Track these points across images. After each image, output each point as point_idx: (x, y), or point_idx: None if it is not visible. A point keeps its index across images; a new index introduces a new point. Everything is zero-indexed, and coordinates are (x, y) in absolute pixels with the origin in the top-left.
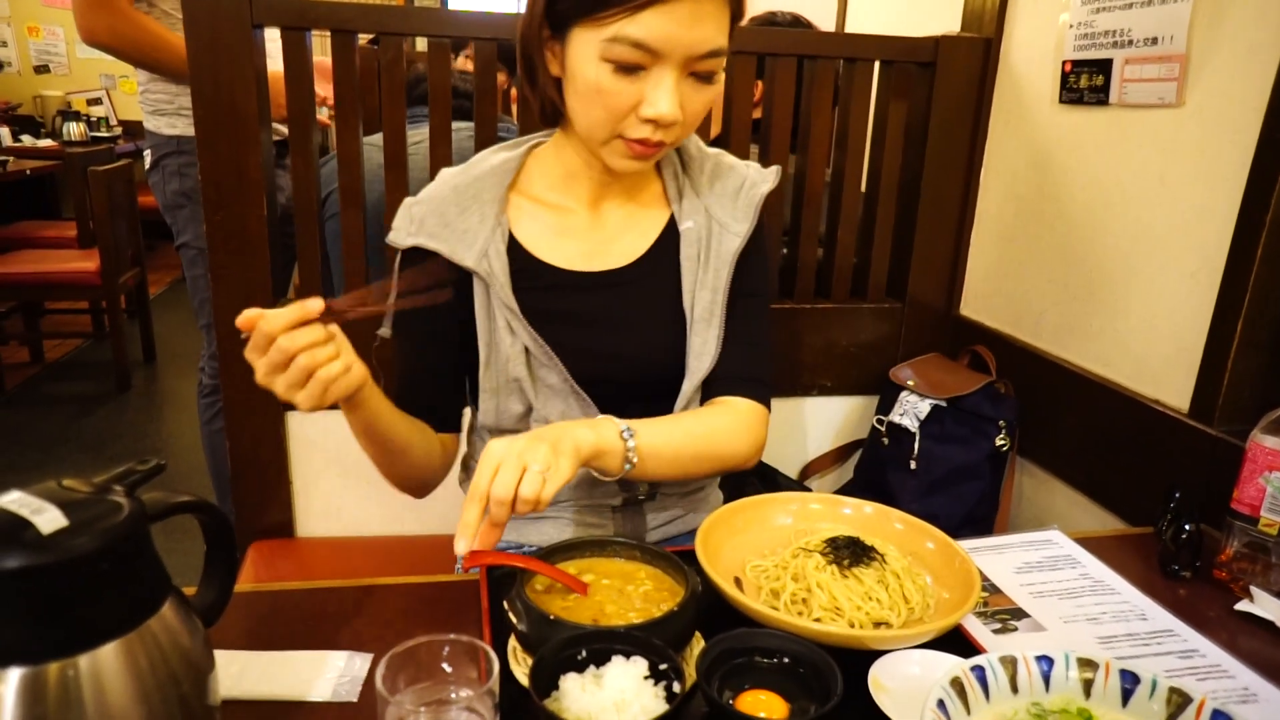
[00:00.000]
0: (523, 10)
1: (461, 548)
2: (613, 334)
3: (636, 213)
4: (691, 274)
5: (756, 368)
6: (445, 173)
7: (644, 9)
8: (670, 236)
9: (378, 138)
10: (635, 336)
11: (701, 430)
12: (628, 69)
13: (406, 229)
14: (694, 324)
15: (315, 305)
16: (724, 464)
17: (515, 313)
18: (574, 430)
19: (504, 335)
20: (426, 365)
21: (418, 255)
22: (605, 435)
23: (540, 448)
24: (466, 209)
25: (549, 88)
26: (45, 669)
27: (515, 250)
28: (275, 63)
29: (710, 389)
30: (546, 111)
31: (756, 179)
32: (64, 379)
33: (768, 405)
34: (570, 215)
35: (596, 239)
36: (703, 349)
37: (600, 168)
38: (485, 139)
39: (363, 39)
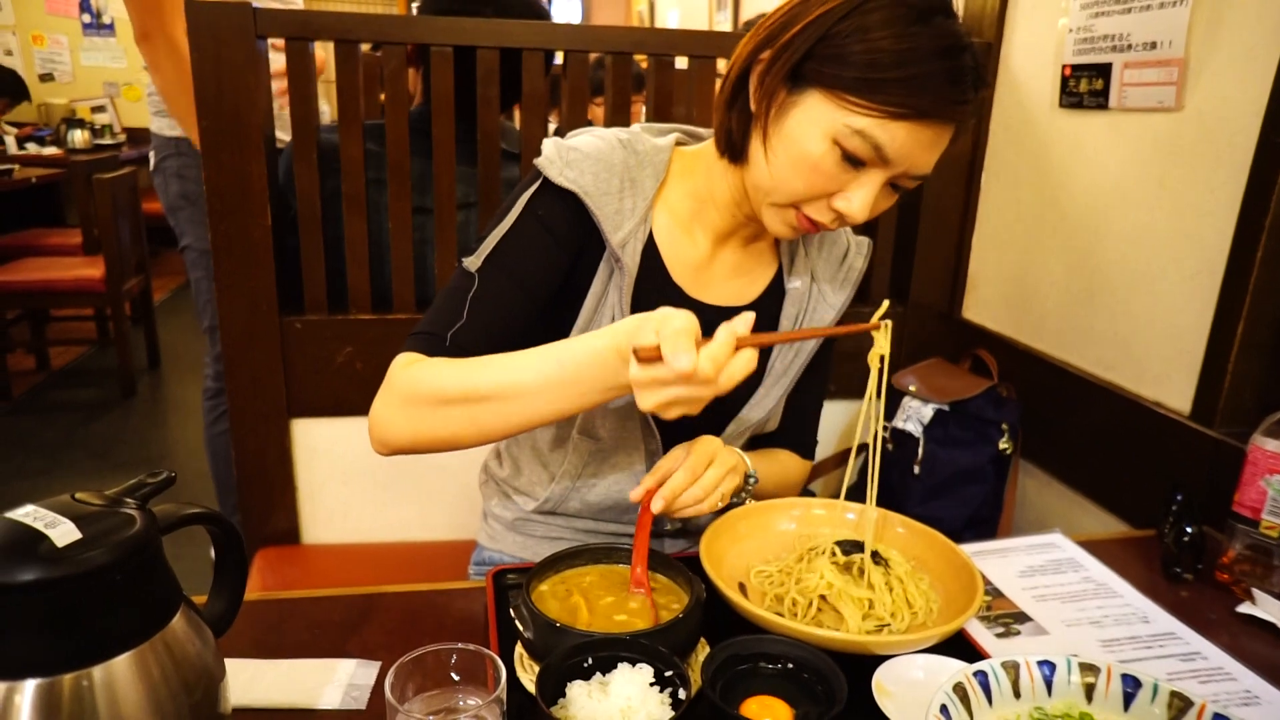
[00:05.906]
0: (759, 35)
1: (637, 493)
2: None
3: (747, 260)
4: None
5: (812, 430)
6: (613, 138)
7: (901, 120)
8: (775, 292)
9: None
10: None
11: (780, 478)
12: (853, 160)
13: (562, 169)
14: (764, 378)
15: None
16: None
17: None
18: (738, 464)
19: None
20: (500, 312)
21: (553, 193)
22: (740, 474)
23: (732, 480)
24: (624, 190)
25: (738, 120)
26: (60, 680)
27: (649, 248)
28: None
29: (769, 439)
30: (734, 142)
31: (855, 251)
32: (69, 385)
33: (813, 459)
34: (693, 240)
35: (708, 273)
36: (762, 400)
37: (738, 207)
38: (487, 149)
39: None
